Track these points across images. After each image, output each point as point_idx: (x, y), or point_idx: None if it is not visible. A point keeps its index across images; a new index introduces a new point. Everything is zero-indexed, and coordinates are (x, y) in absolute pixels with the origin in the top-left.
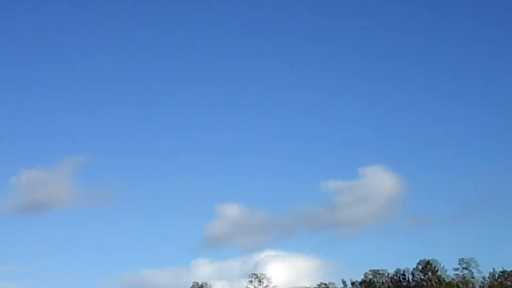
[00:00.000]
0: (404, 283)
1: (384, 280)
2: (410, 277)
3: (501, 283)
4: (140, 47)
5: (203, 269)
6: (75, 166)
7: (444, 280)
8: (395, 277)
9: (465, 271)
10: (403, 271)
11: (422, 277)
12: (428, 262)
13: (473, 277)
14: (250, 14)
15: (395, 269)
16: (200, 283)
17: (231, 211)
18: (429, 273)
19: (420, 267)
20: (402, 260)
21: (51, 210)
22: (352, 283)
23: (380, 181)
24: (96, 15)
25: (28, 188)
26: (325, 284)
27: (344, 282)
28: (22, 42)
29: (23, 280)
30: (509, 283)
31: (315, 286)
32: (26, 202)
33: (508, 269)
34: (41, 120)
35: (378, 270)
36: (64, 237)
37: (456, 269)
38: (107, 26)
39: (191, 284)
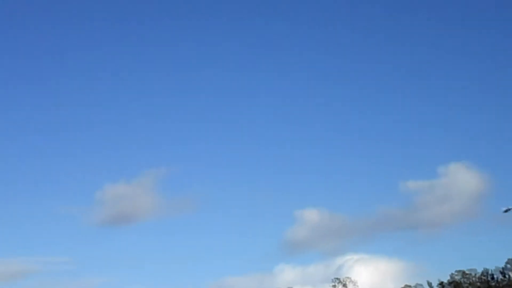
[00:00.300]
0: (493, 283)
1: (472, 281)
2: (500, 276)
3: None
4: (218, 60)
5: (286, 274)
6: (157, 178)
7: None
8: (483, 277)
9: None
10: (491, 270)
11: None
12: None
13: None
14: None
15: (482, 269)
16: None
17: (311, 216)
18: None
19: (509, 266)
20: (487, 259)
21: (135, 222)
22: (440, 284)
23: (462, 179)
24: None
25: (112, 202)
26: (410, 286)
27: (429, 284)
28: (99, 61)
29: None
30: None
31: None
32: (111, 215)
33: None
34: (121, 135)
35: (465, 271)
36: (148, 248)
37: None
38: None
39: None
